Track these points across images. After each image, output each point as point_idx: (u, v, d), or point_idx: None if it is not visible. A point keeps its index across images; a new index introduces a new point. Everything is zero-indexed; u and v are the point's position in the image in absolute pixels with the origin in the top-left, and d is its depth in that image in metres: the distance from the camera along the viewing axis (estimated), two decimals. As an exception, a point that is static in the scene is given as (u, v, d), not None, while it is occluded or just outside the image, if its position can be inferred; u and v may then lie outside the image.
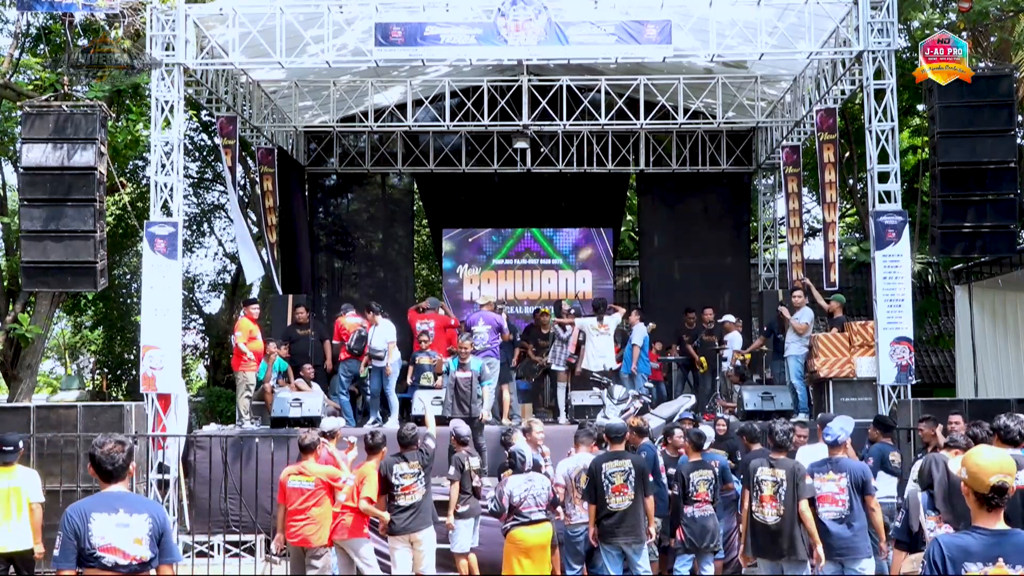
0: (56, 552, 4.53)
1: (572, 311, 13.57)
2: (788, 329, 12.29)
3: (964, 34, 13.93)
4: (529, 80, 14.23)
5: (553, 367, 12.75)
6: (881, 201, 11.19)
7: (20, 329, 14.01)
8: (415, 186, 18.05)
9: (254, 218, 19.22)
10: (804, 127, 14.37)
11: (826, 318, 12.58)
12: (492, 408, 11.76)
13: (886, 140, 11.16)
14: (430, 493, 8.20)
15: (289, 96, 14.98)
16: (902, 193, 11.41)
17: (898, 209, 11.09)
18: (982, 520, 3.68)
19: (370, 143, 16.84)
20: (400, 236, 17.52)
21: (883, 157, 11.20)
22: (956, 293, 16.16)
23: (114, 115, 14.03)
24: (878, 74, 11.19)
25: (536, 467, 8.39)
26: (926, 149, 14.33)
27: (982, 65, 12.90)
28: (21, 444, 7.60)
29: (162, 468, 10.94)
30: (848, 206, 21.19)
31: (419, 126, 15.68)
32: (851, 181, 18.98)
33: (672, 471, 8.66)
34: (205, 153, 22.49)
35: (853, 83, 12.39)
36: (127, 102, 15.13)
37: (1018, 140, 12.85)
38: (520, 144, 16.10)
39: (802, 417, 11.37)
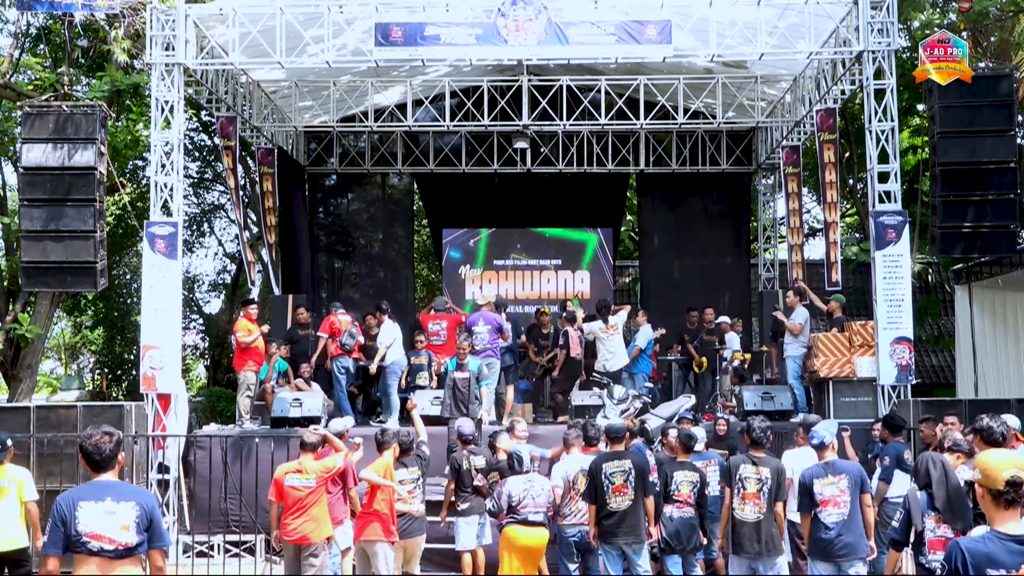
0: (44, 539, 4.73)
1: (564, 315, 13.60)
2: (785, 331, 12.31)
3: (964, 34, 13.93)
4: (529, 80, 14.23)
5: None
6: (881, 201, 11.19)
7: (20, 329, 14.01)
8: (415, 186, 18.04)
9: (254, 218, 19.22)
10: (804, 127, 14.38)
11: (825, 318, 12.58)
12: (491, 408, 11.77)
13: (886, 140, 11.16)
14: (424, 499, 8.21)
15: (289, 96, 14.98)
16: (902, 193, 11.41)
17: (898, 209, 11.09)
18: (1000, 520, 3.68)
19: (370, 143, 16.85)
20: (400, 236, 17.52)
21: (883, 157, 11.20)
22: (956, 293, 16.16)
23: (114, 115, 14.03)
24: (878, 74, 11.19)
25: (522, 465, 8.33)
26: (926, 149, 14.34)
27: (982, 65, 12.89)
28: (10, 443, 7.56)
29: (162, 468, 10.94)
30: (848, 206, 21.19)
31: (419, 126, 15.68)
32: (851, 181, 18.98)
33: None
34: (205, 153, 22.50)
35: (853, 83, 12.39)
36: (127, 102, 15.13)
37: (1018, 140, 12.85)
38: (520, 144, 16.11)
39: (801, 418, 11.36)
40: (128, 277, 22.75)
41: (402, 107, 14.95)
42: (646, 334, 12.99)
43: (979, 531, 4.18)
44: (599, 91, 14.33)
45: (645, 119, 14.21)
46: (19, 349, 15.50)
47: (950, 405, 10.38)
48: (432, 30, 11.13)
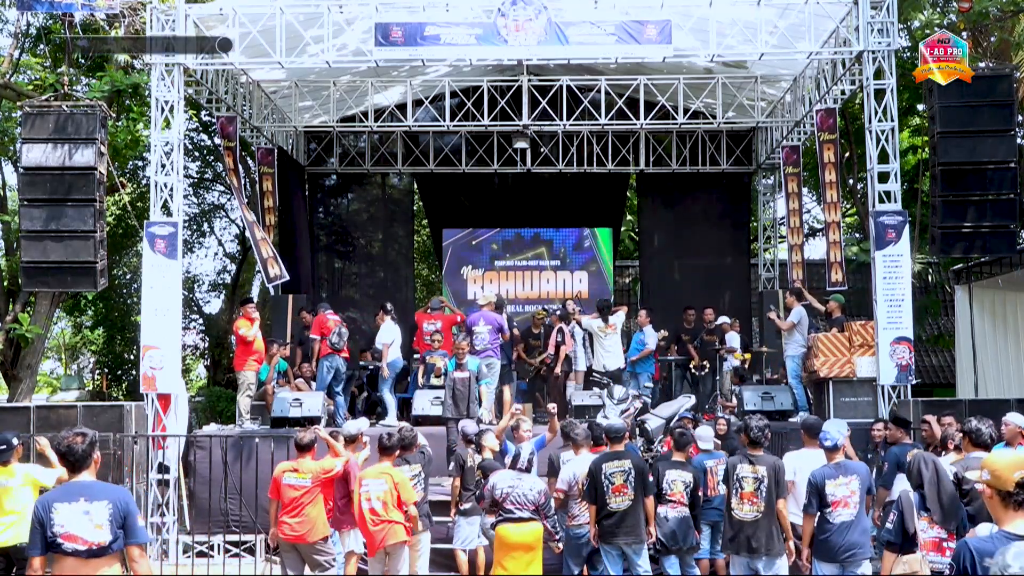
0: (27, 541, 4.96)
1: (557, 312, 13.65)
2: (788, 331, 12.32)
3: (964, 34, 13.93)
4: (529, 80, 14.23)
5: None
6: (881, 201, 11.19)
7: (20, 329, 14.00)
8: (415, 186, 18.05)
9: (254, 218, 19.21)
10: (804, 127, 14.38)
11: (824, 318, 12.58)
12: (491, 408, 11.77)
13: (886, 140, 11.16)
14: (427, 496, 8.18)
15: (289, 96, 14.98)
16: (902, 193, 11.41)
17: (898, 209, 11.09)
18: (1009, 521, 3.67)
19: (370, 143, 16.85)
20: (400, 236, 17.52)
21: (883, 157, 11.20)
22: (956, 293, 16.17)
23: (114, 115, 14.03)
24: (878, 74, 11.19)
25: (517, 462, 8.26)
26: (926, 149, 14.33)
27: (982, 65, 12.89)
28: (16, 442, 7.57)
29: (162, 468, 10.93)
30: (848, 206, 21.18)
31: (419, 126, 15.68)
32: (851, 181, 18.98)
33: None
34: (205, 153, 22.50)
35: (853, 83, 12.39)
36: (127, 102, 15.13)
37: (1018, 140, 12.85)
38: (520, 144, 16.11)
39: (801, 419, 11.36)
40: (128, 277, 22.74)
41: (402, 107, 14.95)
42: (653, 335, 13.03)
43: (984, 530, 4.17)
44: (599, 91, 14.33)
45: (645, 119, 14.21)
46: (19, 349, 15.50)
47: (950, 405, 10.38)
48: (432, 30, 11.13)
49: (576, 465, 8.27)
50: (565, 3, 11.32)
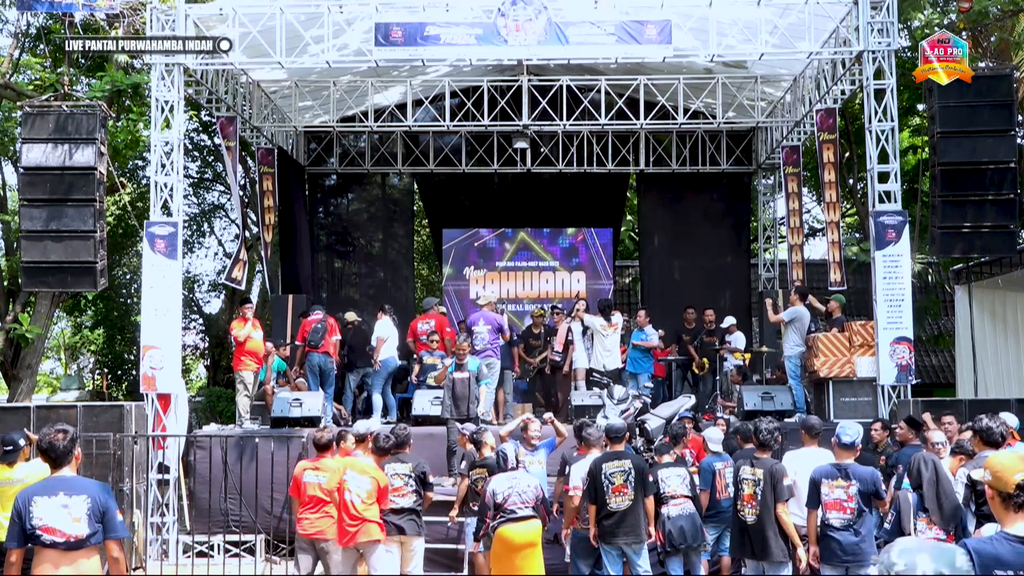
0: (6, 533, 5.15)
1: (564, 310, 13.66)
2: (784, 330, 12.30)
3: (964, 34, 13.93)
4: (529, 80, 14.23)
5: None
6: (881, 201, 11.19)
7: (20, 329, 14.00)
8: (415, 186, 18.05)
9: (254, 218, 19.22)
10: (804, 127, 14.38)
11: (825, 318, 12.58)
12: (491, 409, 11.77)
13: (886, 140, 11.16)
14: (422, 501, 8.06)
15: (289, 96, 14.98)
16: (902, 193, 11.41)
17: (898, 209, 11.09)
18: (1010, 522, 3.65)
19: (370, 143, 16.85)
20: (400, 236, 17.53)
21: (883, 157, 11.20)
22: (956, 293, 16.16)
23: (114, 115, 14.03)
24: (878, 74, 11.19)
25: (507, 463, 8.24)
26: (926, 149, 14.33)
27: (982, 65, 12.92)
28: (22, 442, 7.58)
29: (162, 468, 10.94)
30: (848, 206, 21.18)
31: (419, 126, 15.68)
32: (851, 181, 18.98)
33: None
34: (205, 153, 22.49)
35: (853, 83, 12.39)
36: (127, 102, 15.13)
37: (1018, 140, 12.84)
38: (520, 144, 16.11)
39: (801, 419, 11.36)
40: (128, 277, 22.73)
41: (402, 107, 14.96)
42: (654, 333, 13.05)
43: (989, 530, 4.17)
44: (599, 91, 14.33)
45: (645, 119, 14.21)
46: (19, 349, 15.50)
47: (950, 405, 10.37)
48: (432, 30, 11.14)
49: (586, 464, 8.23)
50: (565, 3, 11.32)
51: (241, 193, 15.45)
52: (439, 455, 10.47)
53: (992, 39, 15.35)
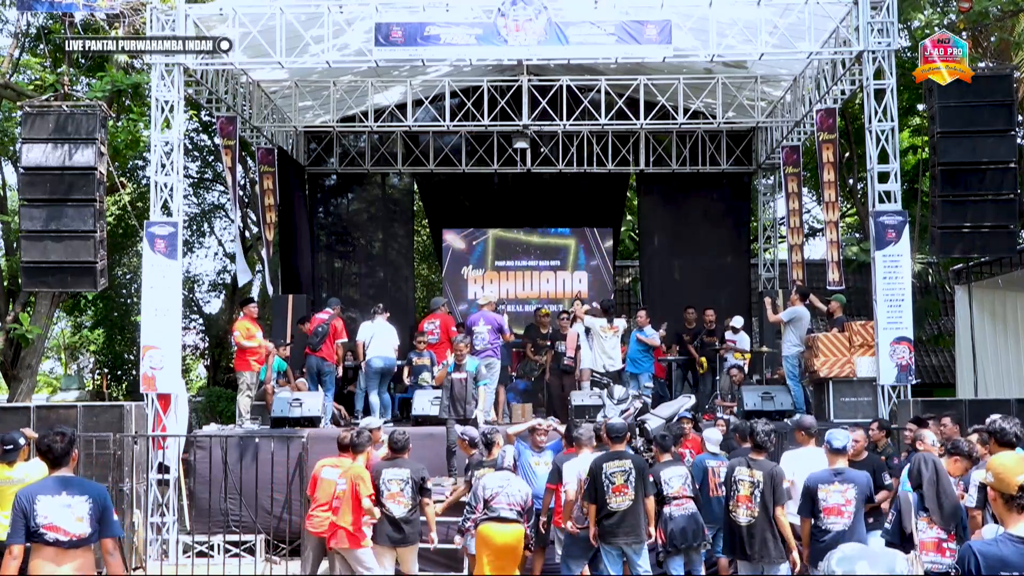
0: (9, 530, 5.22)
1: (568, 317, 13.62)
2: (783, 330, 12.30)
3: (964, 34, 13.92)
4: (529, 80, 14.23)
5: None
6: (881, 201, 11.19)
7: (20, 329, 14.01)
8: (415, 186, 18.05)
9: (254, 218, 19.23)
10: (804, 127, 14.38)
11: (825, 318, 12.57)
12: (490, 409, 11.76)
13: (886, 140, 11.16)
14: (418, 508, 7.92)
15: (289, 96, 14.98)
16: (902, 193, 11.41)
17: (898, 209, 11.09)
18: (1013, 523, 3.65)
19: (370, 143, 16.85)
20: (400, 236, 17.53)
21: (883, 157, 11.20)
22: (956, 293, 16.16)
23: (114, 115, 14.03)
24: (878, 74, 11.19)
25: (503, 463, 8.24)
26: (926, 149, 14.33)
27: (982, 65, 12.92)
28: (22, 441, 7.58)
29: (162, 468, 10.94)
30: (848, 206, 21.19)
31: (419, 126, 15.69)
32: (851, 181, 18.98)
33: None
34: (205, 153, 22.50)
35: (853, 83, 12.39)
36: (127, 102, 15.13)
37: (1018, 140, 12.85)
38: (520, 144, 16.12)
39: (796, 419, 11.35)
40: (128, 277, 22.75)
41: (402, 107, 14.96)
42: (654, 332, 13.04)
43: (990, 531, 4.16)
44: (599, 91, 14.33)
45: (645, 119, 14.22)
46: (19, 349, 15.51)
47: (950, 405, 10.37)
48: (432, 30, 11.13)
49: (580, 464, 8.24)
50: (565, 3, 11.32)
51: (241, 193, 15.43)
52: (439, 455, 10.46)
53: (992, 39, 15.35)
